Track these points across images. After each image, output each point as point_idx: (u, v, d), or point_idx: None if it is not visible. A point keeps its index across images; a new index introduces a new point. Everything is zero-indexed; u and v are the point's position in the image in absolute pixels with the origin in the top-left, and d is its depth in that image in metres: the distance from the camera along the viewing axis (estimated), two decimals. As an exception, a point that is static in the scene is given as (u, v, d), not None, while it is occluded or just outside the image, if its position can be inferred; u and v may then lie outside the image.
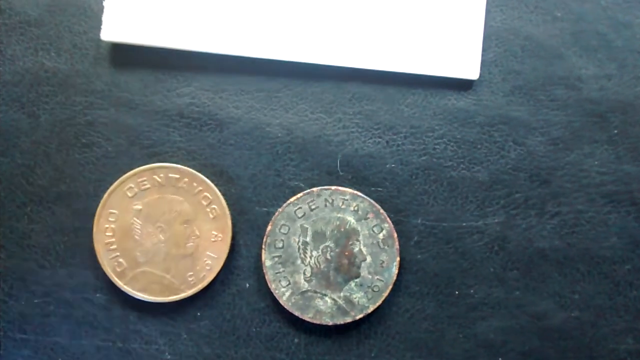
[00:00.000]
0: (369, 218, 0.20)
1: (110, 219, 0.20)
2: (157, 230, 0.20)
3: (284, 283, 0.20)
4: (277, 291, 0.20)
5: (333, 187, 0.20)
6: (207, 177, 0.20)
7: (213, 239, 0.20)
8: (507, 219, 0.21)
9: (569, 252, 0.21)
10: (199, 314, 0.20)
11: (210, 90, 0.21)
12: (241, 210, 0.20)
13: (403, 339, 0.21)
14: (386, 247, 0.20)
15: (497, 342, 0.21)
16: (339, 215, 0.20)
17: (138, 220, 0.20)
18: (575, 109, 0.21)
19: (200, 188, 0.20)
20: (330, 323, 0.20)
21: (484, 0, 0.21)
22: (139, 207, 0.20)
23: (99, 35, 0.20)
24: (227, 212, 0.20)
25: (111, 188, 0.20)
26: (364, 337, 0.21)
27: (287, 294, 0.20)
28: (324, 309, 0.20)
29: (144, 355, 0.20)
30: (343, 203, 0.20)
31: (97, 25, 0.20)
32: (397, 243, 0.20)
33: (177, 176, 0.20)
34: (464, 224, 0.21)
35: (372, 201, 0.20)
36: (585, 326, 0.21)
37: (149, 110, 0.21)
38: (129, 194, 0.20)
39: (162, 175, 0.20)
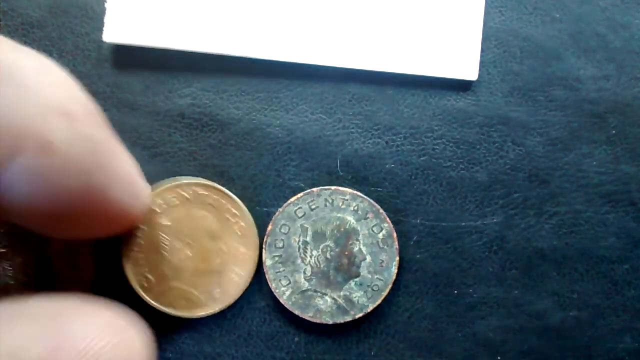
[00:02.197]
0: (368, 218, 0.20)
1: (139, 233, 0.20)
2: (185, 245, 0.20)
3: (284, 282, 0.20)
4: (277, 290, 0.20)
5: (333, 187, 0.20)
6: (208, 178, 0.20)
7: (240, 256, 0.20)
8: (506, 219, 0.21)
9: (567, 251, 0.21)
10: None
11: (211, 91, 0.21)
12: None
13: (402, 338, 0.21)
14: (386, 246, 0.20)
15: (496, 341, 0.21)
16: (338, 215, 0.20)
17: (166, 236, 0.20)
18: (574, 110, 0.21)
19: (228, 204, 0.20)
20: (330, 322, 0.20)
21: (483, 2, 0.21)
22: (167, 222, 0.20)
23: (101, 37, 0.20)
24: (254, 228, 0.20)
25: None
26: (364, 336, 0.21)
27: (288, 293, 0.20)
28: (324, 308, 0.20)
29: (145, 353, 0.20)
30: (343, 203, 0.20)
31: (99, 26, 0.21)
32: (396, 243, 0.20)
33: (205, 192, 0.20)
34: (463, 224, 0.21)
35: (371, 201, 0.20)
36: (584, 325, 0.21)
37: (151, 111, 0.21)
38: (157, 210, 0.20)
39: (190, 191, 0.20)
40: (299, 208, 0.20)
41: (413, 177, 0.21)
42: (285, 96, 0.21)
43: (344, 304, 0.20)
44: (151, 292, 0.20)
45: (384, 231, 0.20)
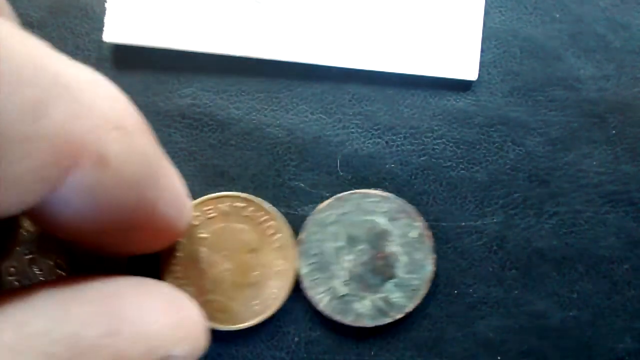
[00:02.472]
0: (400, 218, 0.20)
1: (177, 246, 0.20)
2: (223, 258, 0.20)
3: (321, 289, 0.20)
4: (315, 298, 0.20)
5: (362, 191, 0.20)
6: (208, 178, 0.20)
7: (278, 268, 0.20)
8: (506, 219, 0.21)
9: (567, 251, 0.21)
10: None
11: (211, 91, 0.21)
12: (242, 210, 0.21)
13: (402, 337, 0.21)
14: (419, 245, 0.20)
15: (495, 341, 0.21)
16: (369, 218, 0.20)
17: (204, 249, 0.20)
18: (574, 110, 0.21)
19: (266, 217, 0.20)
20: (372, 325, 0.20)
21: (483, 2, 0.21)
22: (205, 235, 0.20)
23: (101, 37, 0.20)
24: (292, 241, 0.20)
25: None
26: (364, 336, 0.21)
27: (326, 299, 0.20)
28: (364, 311, 0.20)
29: (145, 353, 0.20)
30: (373, 205, 0.20)
31: (100, 26, 0.21)
32: (430, 240, 0.20)
33: (243, 205, 0.20)
34: (463, 224, 0.21)
35: (401, 201, 0.20)
36: (584, 325, 0.21)
37: (151, 111, 0.21)
38: (195, 222, 0.20)
39: (227, 203, 0.20)
40: (330, 214, 0.20)
41: (413, 177, 0.21)
42: (285, 96, 0.21)
43: (383, 306, 0.20)
44: None
45: (416, 230, 0.20)
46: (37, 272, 0.19)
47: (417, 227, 0.20)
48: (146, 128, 0.15)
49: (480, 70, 0.21)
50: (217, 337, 0.21)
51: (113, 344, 0.13)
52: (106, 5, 0.20)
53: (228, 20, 0.20)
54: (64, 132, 0.12)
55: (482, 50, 0.21)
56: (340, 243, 0.20)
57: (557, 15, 0.21)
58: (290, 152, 0.21)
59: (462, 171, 0.21)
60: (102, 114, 0.13)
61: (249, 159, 0.21)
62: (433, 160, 0.21)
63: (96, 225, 0.14)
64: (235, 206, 0.20)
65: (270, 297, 0.20)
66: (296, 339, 0.21)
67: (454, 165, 0.21)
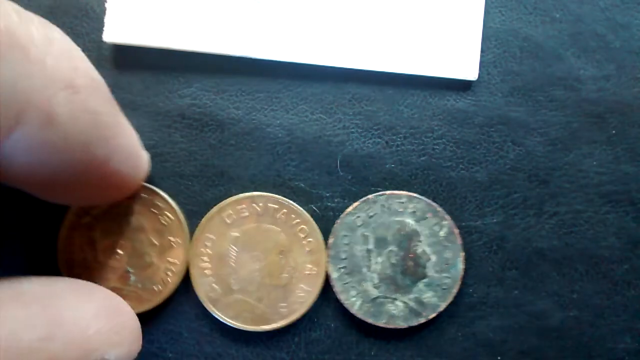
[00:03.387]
0: (427, 218, 0.20)
1: (207, 243, 0.20)
2: (253, 258, 0.20)
3: (353, 293, 0.20)
4: (347, 302, 0.20)
5: (388, 192, 0.20)
6: (208, 178, 0.20)
7: (307, 272, 0.20)
8: (506, 219, 0.21)
9: (567, 251, 0.21)
10: (197, 313, 0.21)
11: (211, 91, 0.21)
12: (242, 210, 0.21)
13: (402, 337, 0.21)
14: (449, 243, 0.20)
15: (495, 341, 0.21)
16: (397, 218, 0.20)
17: (235, 248, 0.20)
18: (574, 110, 0.21)
19: (298, 220, 0.20)
20: (405, 326, 0.20)
21: (483, 2, 0.21)
22: (237, 234, 0.20)
23: (101, 37, 0.20)
24: (323, 246, 0.20)
25: (210, 214, 0.20)
26: (364, 336, 0.21)
27: (358, 303, 0.20)
28: (397, 313, 0.20)
29: (145, 353, 0.20)
30: (400, 206, 0.20)
31: (100, 26, 0.21)
32: (459, 239, 0.20)
33: (276, 206, 0.20)
34: (463, 224, 0.21)
35: (428, 201, 0.20)
36: (584, 325, 0.21)
37: (151, 111, 0.21)
38: (228, 221, 0.20)
39: (261, 204, 0.20)
40: (357, 217, 0.20)
41: (413, 177, 0.21)
42: (285, 96, 0.21)
43: (415, 307, 0.20)
44: (217, 303, 0.20)
45: (445, 229, 0.20)
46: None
47: (445, 226, 0.20)
48: (100, 87, 0.15)
49: (480, 70, 0.21)
50: (217, 337, 0.21)
51: (48, 348, 0.13)
52: (106, 5, 0.20)
53: (228, 20, 0.20)
54: (7, 86, 0.12)
55: (482, 50, 0.21)
56: (370, 245, 0.20)
57: (557, 15, 0.21)
58: (290, 152, 0.21)
59: (462, 171, 0.21)
60: (52, 73, 0.13)
61: (249, 159, 0.21)
62: (433, 160, 0.21)
63: (46, 179, 0.14)
64: (269, 207, 0.20)
65: (297, 301, 0.20)
66: (296, 338, 0.21)
67: (454, 165, 0.21)
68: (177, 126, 0.21)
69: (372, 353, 0.21)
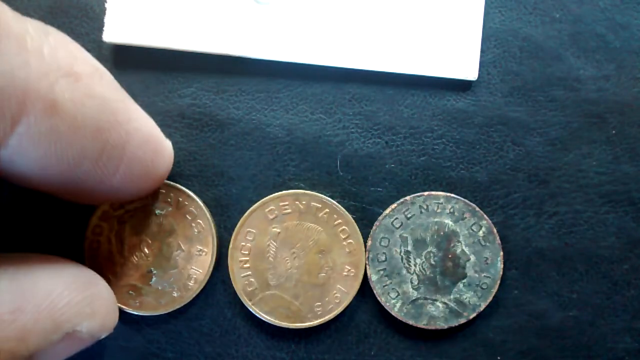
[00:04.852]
0: (466, 218, 0.20)
1: (248, 237, 0.20)
2: (292, 255, 0.20)
3: (392, 295, 0.20)
4: (387, 304, 0.20)
5: (426, 193, 0.20)
6: (208, 178, 0.20)
7: (345, 273, 0.20)
8: (506, 219, 0.21)
9: (567, 251, 0.21)
10: (198, 312, 0.21)
11: (211, 91, 0.21)
12: (241, 209, 0.21)
13: (402, 337, 0.21)
14: (487, 243, 0.20)
15: (495, 341, 0.21)
16: (436, 219, 0.20)
17: (274, 243, 0.20)
18: (574, 110, 0.21)
19: (340, 221, 0.20)
20: (446, 327, 0.20)
21: (483, 2, 0.21)
22: (278, 230, 0.20)
23: (101, 37, 0.20)
24: (363, 248, 0.20)
25: (253, 207, 0.20)
26: (364, 336, 0.21)
27: (398, 305, 0.20)
28: (437, 314, 0.20)
29: (145, 353, 0.20)
30: (438, 207, 0.20)
31: (99, 26, 0.21)
32: (497, 238, 0.20)
33: (319, 206, 0.20)
34: (463, 224, 0.21)
35: (466, 201, 0.20)
36: (584, 325, 0.21)
37: (151, 111, 0.21)
38: (270, 216, 0.20)
39: (304, 202, 0.20)
40: (395, 219, 0.20)
41: (413, 177, 0.21)
42: (285, 96, 0.21)
43: (455, 307, 0.20)
44: (253, 297, 0.20)
45: (483, 229, 0.20)
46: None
47: (484, 225, 0.20)
48: (104, 74, 0.15)
49: (480, 70, 0.21)
50: (217, 338, 0.21)
51: (18, 320, 0.13)
52: (106, 5, 0.20)
53: (228, 20, 0.20)
54: (6, 79, 0.12)
55: (482, 50, 0.21)
56: (408, 247, 0.20)
57: (557, 15, 0.21)
58: (290, 152, 0.21)
59: (462, 171, 0.21)
60: (50, 61, 0.13)
61: (249, 158, 0.21)
62: (433, 160, 0.21)
63: (61, 173, 0.14)
64: (312, 205, 0.20)
65: (333, 301, 0.20)
66: (296, 338, 0.21)
67: (454, 165, 0.21)
68: (177, 126, 0.21)
69: (372, 353, 0.21)
